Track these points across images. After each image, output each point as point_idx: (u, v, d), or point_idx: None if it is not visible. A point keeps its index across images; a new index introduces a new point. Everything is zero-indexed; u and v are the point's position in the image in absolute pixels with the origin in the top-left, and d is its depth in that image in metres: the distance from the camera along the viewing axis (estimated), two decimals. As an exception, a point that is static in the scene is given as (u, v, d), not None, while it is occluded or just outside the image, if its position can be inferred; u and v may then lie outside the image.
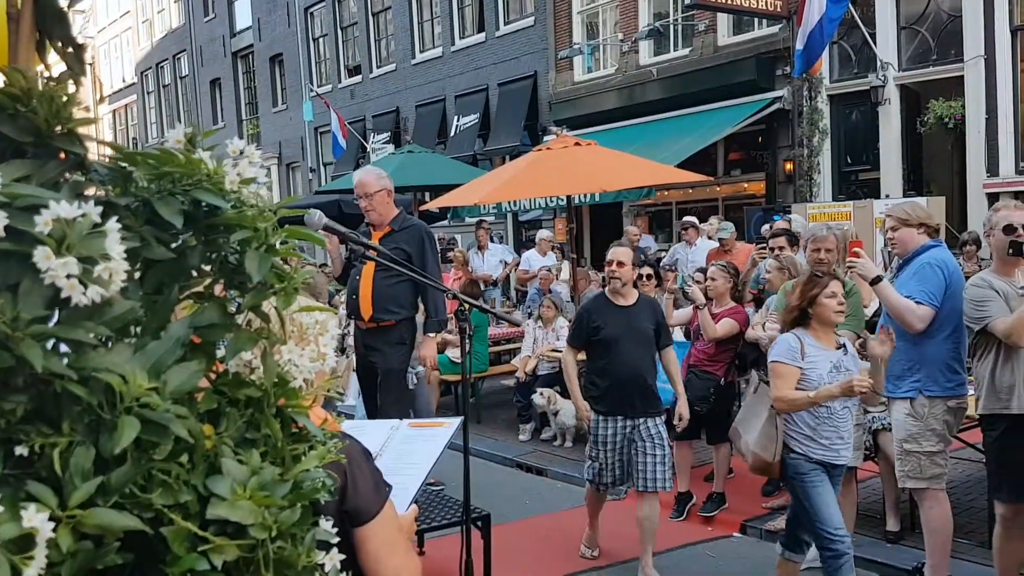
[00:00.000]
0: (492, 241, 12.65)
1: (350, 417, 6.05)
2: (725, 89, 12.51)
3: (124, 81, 34.00)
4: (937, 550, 4.25)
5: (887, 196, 10.22)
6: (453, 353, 8.37)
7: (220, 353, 0.79)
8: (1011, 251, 3.84)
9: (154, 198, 0.72)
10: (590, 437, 4.82)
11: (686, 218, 9.97)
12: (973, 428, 4.65)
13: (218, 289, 0.79)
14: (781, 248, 5.72)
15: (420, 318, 5.26)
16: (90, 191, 0.74)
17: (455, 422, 2.37)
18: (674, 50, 14.09)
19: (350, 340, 7.88)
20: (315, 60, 23.62)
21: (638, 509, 4.79)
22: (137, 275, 0.76)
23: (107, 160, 0.75)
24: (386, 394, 5.16)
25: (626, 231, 10.82)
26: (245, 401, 0.81)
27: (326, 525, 0.92)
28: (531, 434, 7.78)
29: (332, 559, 0.90)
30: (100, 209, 0.68)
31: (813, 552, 4.81)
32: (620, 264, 4.71)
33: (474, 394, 9.22)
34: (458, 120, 17.78)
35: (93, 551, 0.67)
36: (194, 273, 0.77)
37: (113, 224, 0.68)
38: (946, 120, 10.48)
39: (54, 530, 0.64)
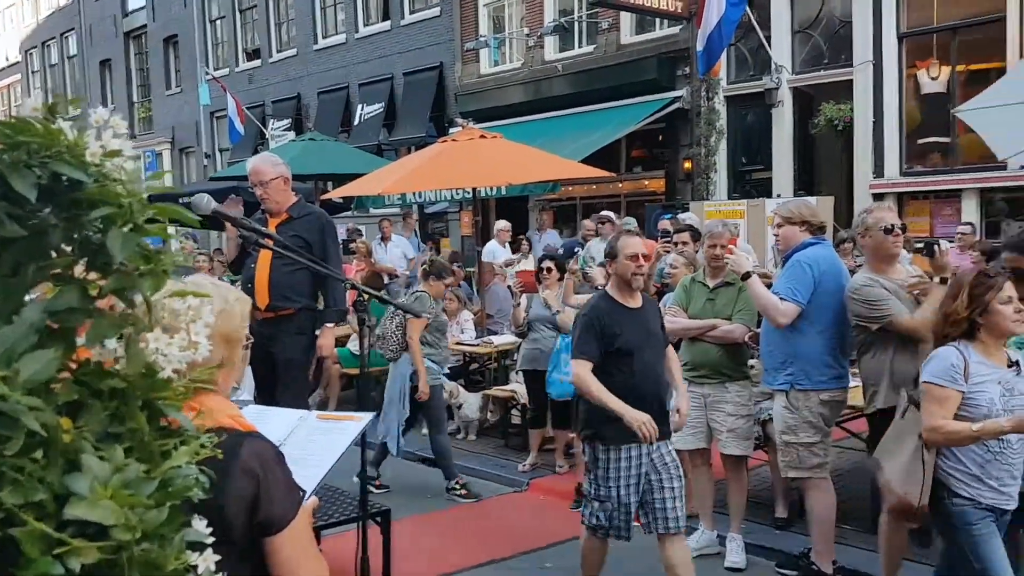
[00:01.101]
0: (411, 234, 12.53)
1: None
2: (628, 87, 12.72)
3: (7, 60, 32.08)
4: (821, 536, 4.43)
5: (779, 195, 10.61)
6: (355, 346, 8.23)
7: (82, 340, 0.73)
8: (924, 253, 4.04)
9: (6, 169, 0.65)
10: (596, 472, 3.88)
11: (603, 212, 10.07)
12: (858, 418, 4.87)
13: (79, 270, 0.72)
14: (685, 243, 5.84)
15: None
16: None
17: (367, 417, 2.31)
18: (579, 47, 14.25)
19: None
20: (212, 43, 22.85)
21: (667, 557, 3.95)
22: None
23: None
24: (285, 386, 5.00)
25: (497, 231, 10.91)
26: (109, 392, 0.74)
27: (199, 525, 0.86)
28: (434, 428, 7.72)
29: (206, 560, 0.84)
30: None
31: (699, 540, 4.97)
32: (646, 257, 4.06)
33: (376, 388, 9.09)
34: (362, 109, 17.50)
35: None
36: (54, 253, 0.70)
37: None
38: (836, 122, 10.95)
39: None
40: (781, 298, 4.29)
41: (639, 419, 3.64)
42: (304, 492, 1.61)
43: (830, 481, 4.45)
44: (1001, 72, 8.23)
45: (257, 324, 5.12)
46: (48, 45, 29.45)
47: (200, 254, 9.43)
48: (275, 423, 1.98)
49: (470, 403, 7.37)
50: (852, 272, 4.68)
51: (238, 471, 1.47)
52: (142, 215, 0.72)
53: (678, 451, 5.28)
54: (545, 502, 6.04)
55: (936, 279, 3.95)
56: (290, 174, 5.01)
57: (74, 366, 0.74)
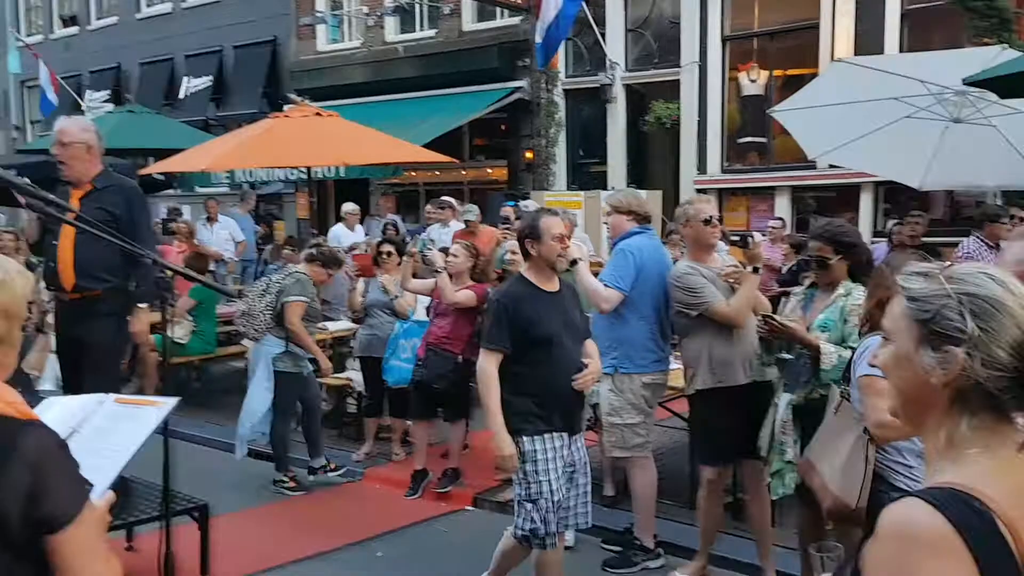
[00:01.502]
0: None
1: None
2: (470, 74, 12.73)
3: None
4: (643, 511, 4.63)
5: (614, 188, 10.95)
6: (175, 332, 7.74)
7: None
8: (739, 245, 4.26)
9: None
10: (524, 469, 3.60)
11: (443, 198, 9.99)
12: (679, 398, 5.10)
13: None
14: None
15: None
16: None
17: (170, 402, 2.13)
18: (420, 30, 14.10)
19: (51, 319, 7.02)
20: (23, 7, 20.95)
21: (547, 557, 3.74)
22: None
23: None
24: (95, 375, 4.60)
25: (379, 204, 10.56)
26: None
27: None
28: (263, 418, 7.40)
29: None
30: None
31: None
32: (568, 237, 3.91)
33: (200, 378, 8.63)
34: (189, 82, 16.54)
35: None
36: None
37: None
38: (664, 120, 11.43)
39: None
40: (605, 285, 4.42)
41: (504, 450, 3.55)
42: (92, 485, 1.46)
43: (652, 460, 4.64)
44: (814, 77, 8.84)
45: (63, 308, 4.70)
46: None
47: (5, 232, 8.55)
48: (67, 409, 1.78)
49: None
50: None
51: (14, 463, 1.34)
52: None
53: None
54: (380, 491, 5.95)
55: (749, 268, 4.19)
56: (99, 145, 4.60)
57: None
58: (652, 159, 12.28)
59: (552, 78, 12.38)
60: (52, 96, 16.29)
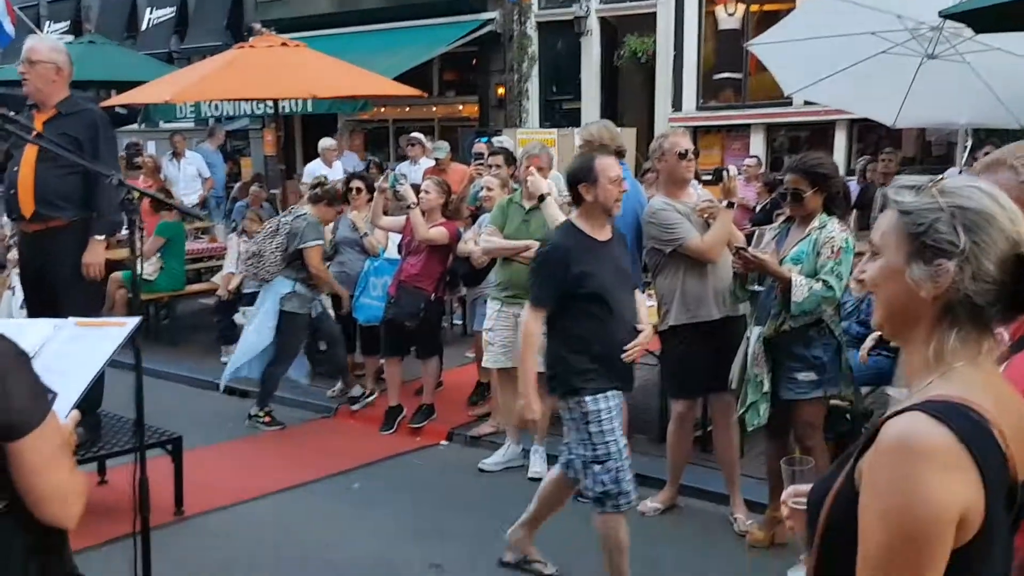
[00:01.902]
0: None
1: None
2: (439, 5, 12.41)
3: None
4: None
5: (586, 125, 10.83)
6: (144, 269, 7.62)
7: None
8: (713, 179, 4.23)
9: None
10: (588, 431, 3.35)
11: (413, 134, 9.81)
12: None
13: None
14: (498, 166, 5.80)
15: None
16: None
17: (131, 322, 2.09)
18: (388, -41, 13.67)
19: (14, 254, 6.86)
20: (-30, -74, 19.82)
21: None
22: None
23: None
24: (66, 308, 4.47)
25: (323, 149, 10.29)
26: None
27: None
28: (233, 355, 7.37)
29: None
30: None
31: (506, 453, 5.12)
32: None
33: (169, 315, 8.53)
34: (151, 13, 15.99)
35: None
36: None
37: None
38: (639, 55, 11.27)
39: None
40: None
41: (531, 412, 3.46)
42: (54, 395, 1.44)
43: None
44: (791, 11, 8.73)
45: (25, 240, 4.56)
46: None
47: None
48: (27, 334, 1.73)
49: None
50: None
51: None
52: None
53: (487, 369, 5.41)
54: (354, 427, 5.98)
55: (724, 203, 4.17)
56: (69, 69, 4.41)
57: None
58: (626, 96, 12.16)
59: (525, 10, 12.13)
60: (9, 27, 15.62)
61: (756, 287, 3.85)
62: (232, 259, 7.65)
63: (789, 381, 3.73)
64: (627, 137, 9.51)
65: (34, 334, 1.81)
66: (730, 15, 10.92)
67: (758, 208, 8.42)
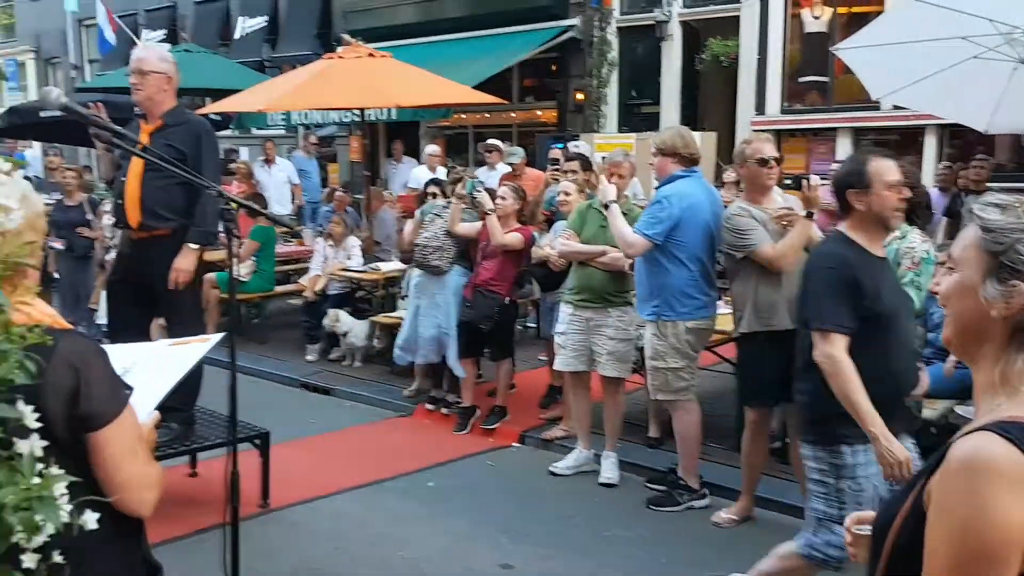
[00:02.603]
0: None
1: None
2: (520, 13, 12.52)
3: None
4: (687, 453, 4.69)
5: (666, 129, 10.76)
6: (237, 270, 7.96)
7: None
8: (793, 185, 4.19)
9: None
10: (839, 487, 2.91)
11: (490, 140, 9.94)
12: (728, 343, 5.11)
13: None
14: (574, 171, 5.85)
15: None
16: None
17: (215, 338, 2.21)
18: (473, -33, 13.87)
19: (111, 256, 7.25)
20: (79, -56, 20.99)
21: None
22: None
23: None
24: (172, 319, 4.61)
25: (427, 155, 10.49)
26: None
27: (24, 408, 0.82)
28: (319, 354, 7.63)
29: (31, 445, 0.80)
30: None
31: (577, 458, 5.16)
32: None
33: (259, 315, 8.88)
34: (244, 22, 16.59)
35: None
36: None
37: None
38: (721, 59, 11.14)
39: None
40: (634, 231, 4.41)
41: (899, 457, 2.73)
42: (131, 390, 1.56)
43: (696, 403, 4.68)
44: (879, 15, 8.50)
45: (130, 247, 4.73)
46: None
47: (69, 169, 8.81)
48: (121, 352, 1.87)
49: (356, 331, 7.30)
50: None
51: (56, 364, 1.43)
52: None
53: (559, 372, 5.47)
54: (429, 426, 6.11)
55: (804, 212, 4.12)
56: (177, 77, 4.52)
57: None
58: (707, 99, 12.02)
59: (605, 16, 12.13)
60: (110, 35, 16.44)
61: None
62: (318, 262, 7.93)
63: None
64: (706, 142, 9.44)
65: (131, 351, 1.95)
66: (816, 18, 10.69)
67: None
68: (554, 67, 13.26)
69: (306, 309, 7.73)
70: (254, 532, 4.25)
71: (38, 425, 0.86)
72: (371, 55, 7.80)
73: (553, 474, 5.15)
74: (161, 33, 18.22)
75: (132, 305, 4.64)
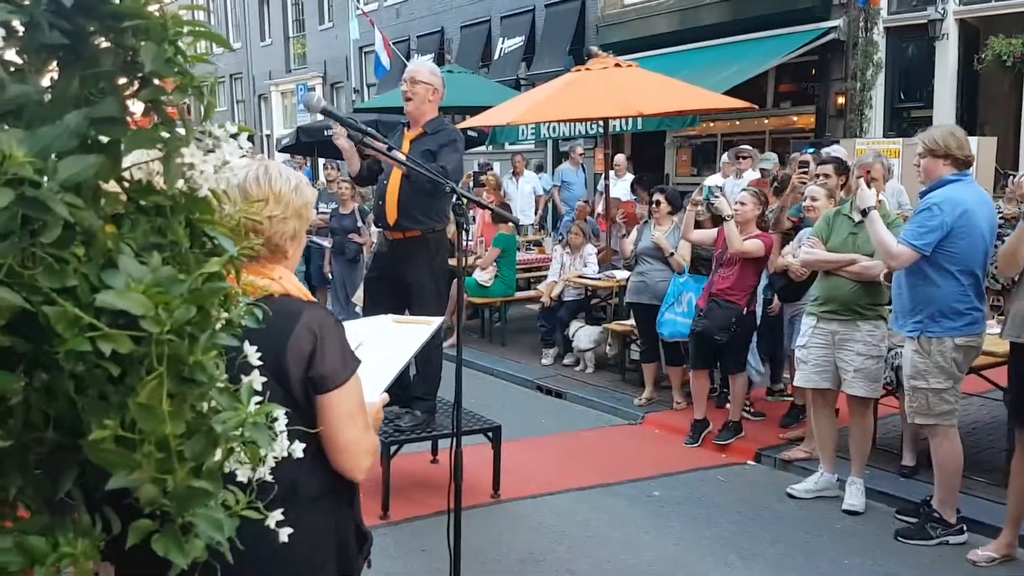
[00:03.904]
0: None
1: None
2: (780, 16, 12.05)
3: (171, -5, 33.91)
4: (945, 484, 4.22)
5: (939, 134, 9.83)
6: (481, 276, 8.39)
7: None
8: None
9: (46, -21, 0.70)
10: None
11: (741, 147, 9.62)
12: (1000, 365, 4.56)
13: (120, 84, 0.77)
14: (827, 176, 5.49)
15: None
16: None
17: (437, 320, 2.33)
18: (729, -26, 13.57)
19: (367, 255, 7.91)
20: (363, -23, 23.25)
21: None
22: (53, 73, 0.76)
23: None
24: (420, 311, 5.00)
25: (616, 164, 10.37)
26: (154, 209, 0.80)
27: (248, 350, 0.93)
28: (554, 359, 7.83)
29: (253, 381, 0.90)
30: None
31: (818, 481, 4.84)
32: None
33: (501, 318, 9.28)
34: (503, 42, 17.48)
35: (-23, 329, 0.68)
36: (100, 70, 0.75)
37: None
38: (1005, 58, 10.00)
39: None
40: (899, 242, 4.03)
41: None
42: (359, 362, 1.69)
43: (956, 429, 4.21)
44: None
45: (386, 246, 5.16)
46: (212, -18, 30.90)
47: (344, 182, 9.78)
48: (354, 327, 2.05)
49: (580, 336, 7.40)
50: (1010, 219, 4.33)
51: (299, 329, 1.60)
52: (176, 32, 0.76)
53: (798, 388, 5.17)
54: (659, 436, 6.03)
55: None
56: (442, 92, 4.88)
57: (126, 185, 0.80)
58: (987, 102, 10.84)
59: (872, 16, 11.34)
60: (385, 60, 17.99)
61: None
62: (555, 269, 8.14)
63: None
64: (985, 147, 8.50)
65: (362, 326, 2.13)
66: None
67: None
68: (813, 71, 12.61)
69: (543, 314, 7.95)
70: (483, 519, 4.44)
71: (259, 363, 0.97)
72: (617, 65, 7.87)
73: (791, 496, 4.87)
74: (430, 56, 19.58)
75: (388, 300, 5.02)
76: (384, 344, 2.08)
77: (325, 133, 12.01)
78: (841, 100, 11.90)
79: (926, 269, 4.04)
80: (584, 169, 13.16)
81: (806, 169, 6.06)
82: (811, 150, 7.26)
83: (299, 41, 26.50)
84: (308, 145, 13.52)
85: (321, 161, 20.10)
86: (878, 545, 4.27)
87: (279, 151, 15.23)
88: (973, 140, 4.75)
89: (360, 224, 8.98)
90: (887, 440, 5.33)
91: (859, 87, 11.56)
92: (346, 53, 23.14)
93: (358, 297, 7.73)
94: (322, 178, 11.38)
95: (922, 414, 4.18)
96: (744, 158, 9.19)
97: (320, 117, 4.35)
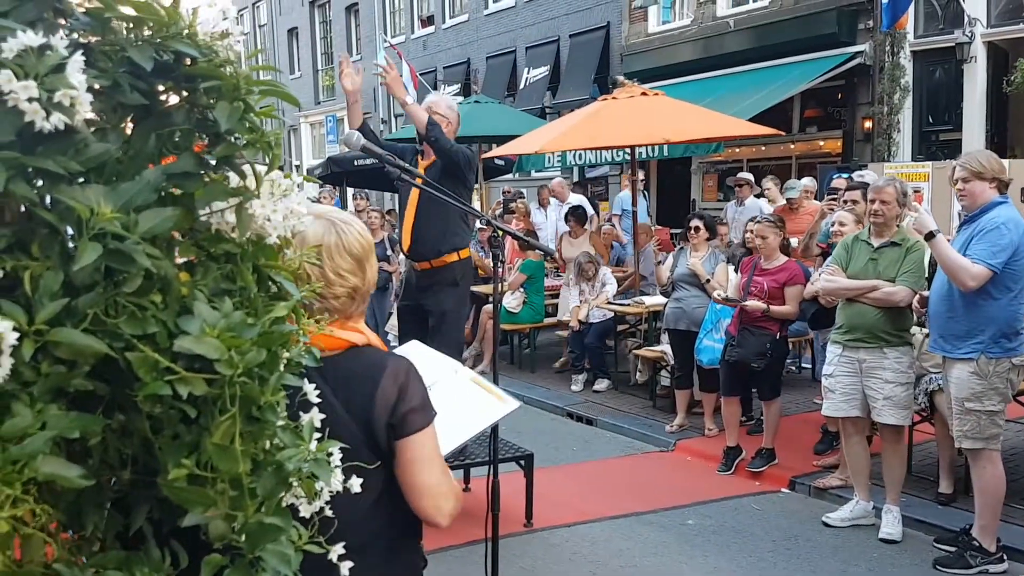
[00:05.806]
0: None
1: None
2: (804, 42, 12.09)
3: (203, 29, 34.71)
4: (987, 510, 4.16)
5: (969, 157, 9.76)
6: (509, 303, 8.43)
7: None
8: None
9: (126, 43, 0.75)
10: None
11: (740, 175, 9.67)
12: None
13: (198, 146, 0.82)
14: (855, 201, 5.49)
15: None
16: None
17: (513, 404, 2.28)
18: (753, 1, 13.65)
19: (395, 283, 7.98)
20: (389, 10, 23.71)
21: None
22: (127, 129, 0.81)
23: (87, 6, 0.78)
24: (439, 341, 5.06)
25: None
26: (224, 256, 0.85)
27: (308, 388, 0.97)
28: (583, 385, 7.81)
29: (313, 417, 0.94)
30: (67, 42, 0.71)
31: (853, 510, 4.78)
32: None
33: (530, 345, 9.29)
34: (528, 72, 17.67)
35: (64, 373, 0.72)
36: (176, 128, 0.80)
37: (77, 57, 0.71)
38: (1036, 80, 9.93)
39: (19, 340, 0.69)
40: (973, 261, 4.01)
41: None
42: (435, 412, 1.71)
43: (1000, 454, 4.16)
44: None
45: (413, 275, 5.24)
46: (241, 14, 31.57)
47: (373, 210, 9.91)
48: (430, 364, 2.06)
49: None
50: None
51: (385, 379, 1.64)
52: (248, 90, 0.81)
53: (829, 417, 5.12)
54: (691, 463, 6.00)
55: None
56: (456, 125, 5.02)
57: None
58: (1018, 124, 10.76)
59: (898, 39, 11.33)
60: (412, 92, 18.23)
61: None
62: (575, 295, 8.16)
63: None
64: (1018, 170, 8.41)
65: (435, 366, 2.15)
66: None
67: None
68: (840, 95, 12.60)
69: (572, 340, 7.95)
70: (517, 549, 4.44)
71: (318, 401, 1.01)
72: (643, 94, 7.93)
73: (826, 525, 4.82)
74: (457, 87, 19.92)
75: (418, 326, 5.10)
76: (454, 404, 2.08)
77: (355, 163, 12.19)
78: (868, 124, 11.87)
79: (990, 289, 4.01)
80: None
81: (835, 195, 6.05)
82: (845, 175, 7.25)
83: (327, 73, 26.94)
84: (338, 175, 13.72)
85: (350, 191, 20.41)
86: (916, 574, 4.21)
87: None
88: (1005, 163, 4.72)
89: (389, 252, 9.08)
90: (923, 467, 5.26)
91: (886, 111, 11.53)
92: (374, 85, 23.43)
93: (392, 325, 7.80)
94: (351, 207, 11.55)
95: (971, 437, 4.12)
96: (741, 186, 9.21)
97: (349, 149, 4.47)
